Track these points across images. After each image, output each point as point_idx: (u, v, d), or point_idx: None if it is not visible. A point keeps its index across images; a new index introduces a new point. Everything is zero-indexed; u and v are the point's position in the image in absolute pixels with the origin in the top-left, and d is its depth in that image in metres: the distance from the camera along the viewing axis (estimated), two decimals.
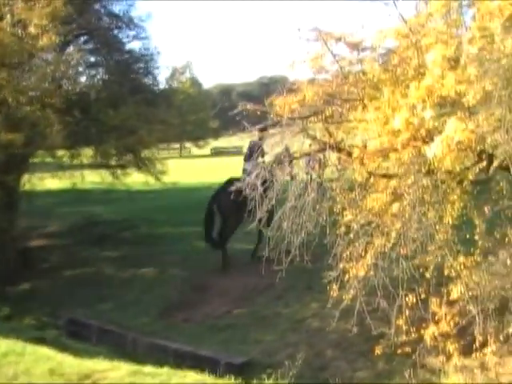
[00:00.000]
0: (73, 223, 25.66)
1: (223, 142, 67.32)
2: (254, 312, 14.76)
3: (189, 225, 22.09)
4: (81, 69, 23.39)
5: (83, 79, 24.20)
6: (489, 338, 7.85)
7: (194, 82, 73.94)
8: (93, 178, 24.61)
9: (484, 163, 7.28)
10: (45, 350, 9.30)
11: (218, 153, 67.28)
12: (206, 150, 70.59)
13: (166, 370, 8.68)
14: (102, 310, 16.43)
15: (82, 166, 24.46)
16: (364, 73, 8.24)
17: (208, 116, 73.59)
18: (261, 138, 12.75)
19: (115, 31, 24.88)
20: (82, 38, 24.05)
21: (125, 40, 25.17)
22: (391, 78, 7.82)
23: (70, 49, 22.30)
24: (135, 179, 25.17)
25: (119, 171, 24.12)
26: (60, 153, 23.60)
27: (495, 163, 6.99)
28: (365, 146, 8.27)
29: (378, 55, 8.35)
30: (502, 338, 8.05)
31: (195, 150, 71.45)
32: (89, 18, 22.43)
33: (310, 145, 8.98)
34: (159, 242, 21.10)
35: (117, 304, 16.67)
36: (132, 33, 24.81)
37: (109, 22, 24.51)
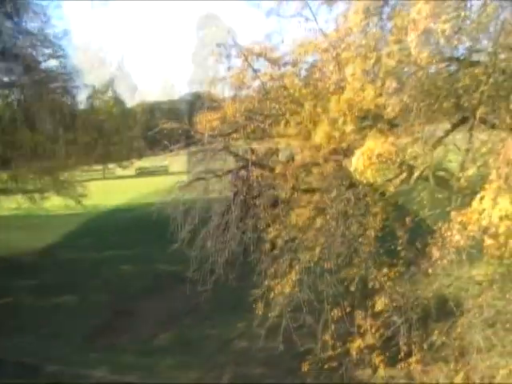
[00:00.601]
0: None
1: (148, 162, 66.32)
2: (180, 335, 14.42)
3: (112, 248, 21.45)
4: None
5: None
6: (413, 347, 7.94)
7: (117, 101, 72.54)
8: (8, 204, 23.49)
9: (404, 174, 7.37)
10: None
11: (143, 173, 66.08)
12: (131, 171, 69.21)
13: None
14: (20, 342, 15.52)
15: None
16: (285, 88, 8.24)
17: (132, 136, 72.35)
18: None
19: (30, 49, 23.97)
20: None
21: (40, 58, 24.28)
22: (312, 92, 7.84)
23: None
24: (55, 203, 24.24)
25: (37, 195, 23.15)
26: None
27: (416, 174, 7.09)
28: (287, 162, 8.25)
29: (298, 70, 8.38)
30: (426, 347, 8.14)
31: (119, 171, 69.97)
32: (0, 36, 21.53)
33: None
34: (81, 268, 20.30)
35: (37, 335, 15.80)
36: (48, 51, 23.99)
37: (23, 40, 23.59)
